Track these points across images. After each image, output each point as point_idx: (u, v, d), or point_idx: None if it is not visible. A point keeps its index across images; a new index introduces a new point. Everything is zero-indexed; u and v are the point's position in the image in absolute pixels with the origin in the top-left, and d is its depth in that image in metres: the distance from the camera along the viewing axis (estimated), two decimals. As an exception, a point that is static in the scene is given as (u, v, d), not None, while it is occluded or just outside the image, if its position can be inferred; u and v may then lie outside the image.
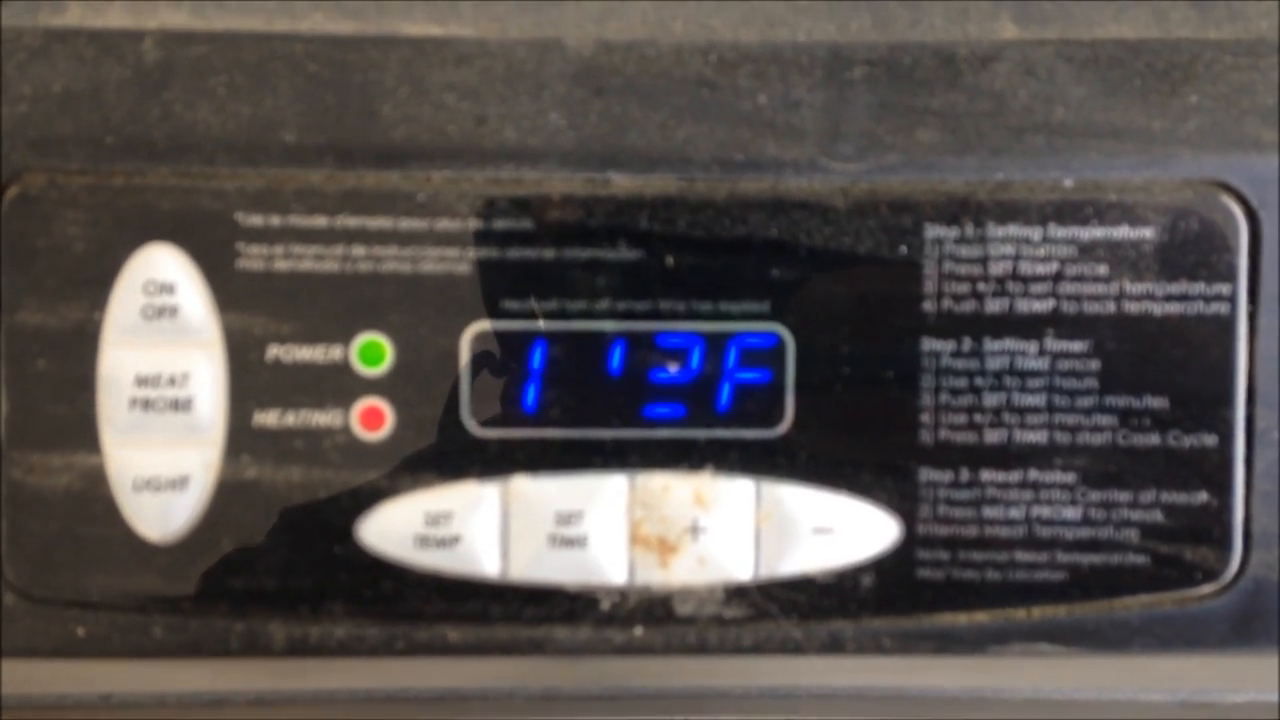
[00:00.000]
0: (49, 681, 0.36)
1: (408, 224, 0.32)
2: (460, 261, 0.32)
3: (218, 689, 0.36)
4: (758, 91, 0.32)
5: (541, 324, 0.32)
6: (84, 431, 0.31)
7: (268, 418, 0.32)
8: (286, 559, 0.32)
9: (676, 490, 0.33)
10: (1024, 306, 0.33)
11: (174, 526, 0.32)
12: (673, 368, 0.33)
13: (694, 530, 0.33)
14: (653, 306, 0.32)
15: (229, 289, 0.32)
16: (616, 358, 0.33)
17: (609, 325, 0.32)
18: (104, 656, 0.32)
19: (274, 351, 0.32)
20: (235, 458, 0.32)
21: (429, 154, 0.32)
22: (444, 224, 0.32)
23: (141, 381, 0.31)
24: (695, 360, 0.33)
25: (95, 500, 0.32)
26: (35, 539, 0.32)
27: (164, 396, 0.32)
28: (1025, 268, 0.33)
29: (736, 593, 0.33)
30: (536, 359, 0.33)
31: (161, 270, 0.31)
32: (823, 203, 0.32)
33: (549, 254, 0.32)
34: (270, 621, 0.33)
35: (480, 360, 0.32)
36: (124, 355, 0.31)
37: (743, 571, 0.33)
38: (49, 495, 0.32)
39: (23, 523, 0.32)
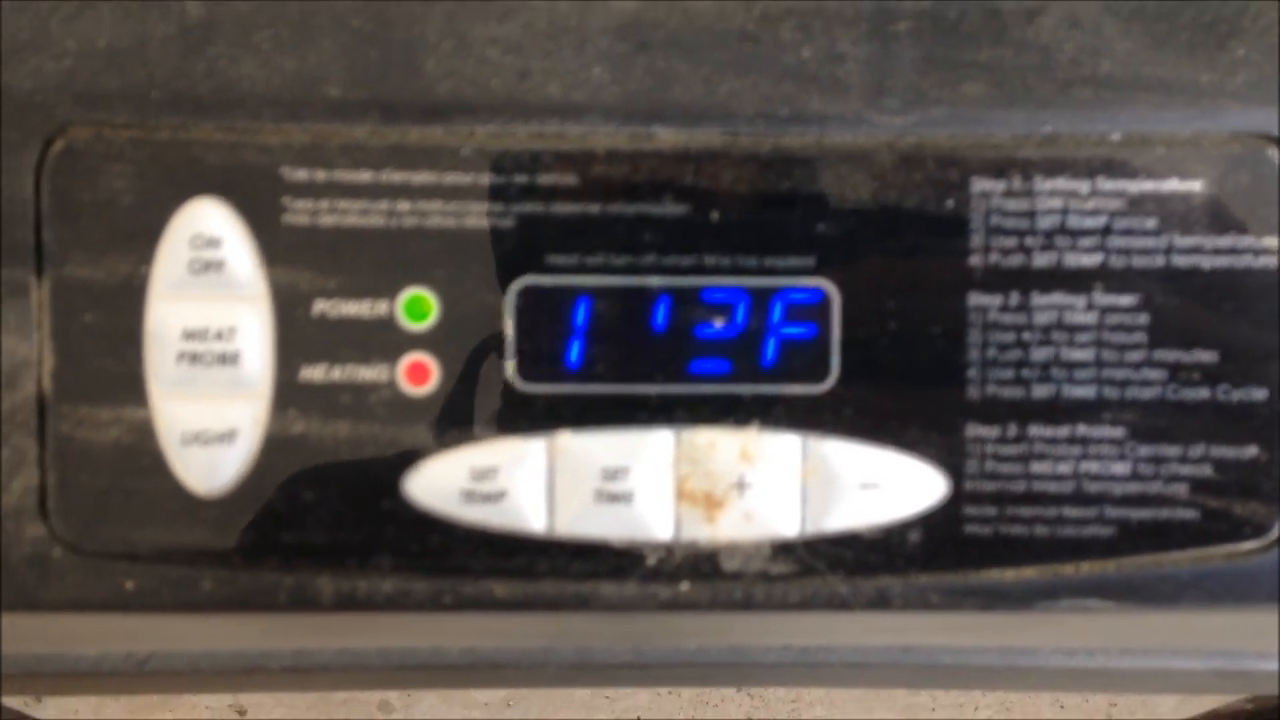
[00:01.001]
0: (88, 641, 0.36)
1: (452, 179, 0.32)
2: (505, 216, 0.32)
3: (262, 647, 0.37)
4: (802, 45, 0.32)
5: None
6: (131, 385, 0.32)
7: (314, 372, 0.32)
8: (334, 514, 0.32)
9: (722, 446, 0.33)
10: (1072, 260, 0.32)
11: (222, 480, 0.32)
12: (718, 323, 0.33)
13: (740, 486, 0.33)
14: (698, 262, 0.32)
15: (275, 243, 0.32)
16: (661, 313, 0.33)
17: (654, 281, 0.32)
18: (153, 610, 0.32)
19: (320, 306, 0.32)
20: (283, 412, 0.32)
21: (473, 109, 0.32)
22: (488, 179, 0.32)
23: (189, 335, 0.32)
24: (741, 315, 0.33)
25: (143, 454, 0.32)
26: (83, 492, 0.32)
27: (211, 350, 0.32)
28: (1073, 221, 0.32)
29: (783, 549, 0.33)
30: (581, 314, 0.32)
31: (208, 224, 0.31)
32: (868, 157, 0.32)
33: (593, 209, 0.32)
34: (318, 576, 0.33)
35: (525, 315, 0.32)
36: (171, 309, 0.31)
37: (789, 527, 0.33)
38: (97, 449, 0.32)
39: (71, 476, 0.32)
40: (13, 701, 0.45)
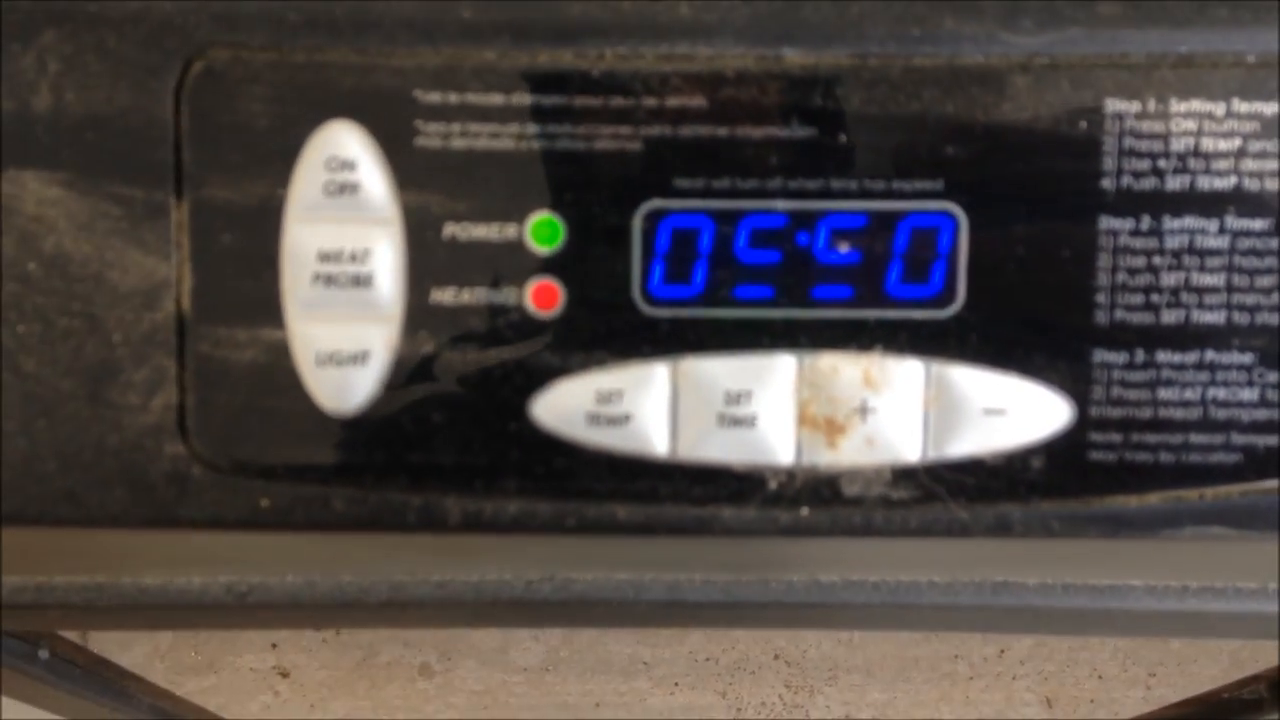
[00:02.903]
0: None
1: (581, 101, 0.32)
2: (633, 139, 0.32)
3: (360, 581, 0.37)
4: (935, -36, 0.32)
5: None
6: (268, 306, 0.32)
7: (444, 295, 0.32)
8: (462, 435, 0.33)
9: (845, 371, 0.33)
10: (1205, 184, 0.32)
11: (355, 401, 0.32)
12: (843, 247, 0.33)
13: (862, 411, 0.33)
14: (824, 185, 0.32)
15: (408, 166, 0.32)
16: (786, 237, 0.32)
17: (780, 204, 0.32)
18: (287, 529, 0.33)
19: (451, 229, 0.32)
20: (413, 334, 0.32)
21: (603, 30, 0.32)
22: (617, 101, 0.32)
23: (324, 257, 0.32)
24: (866, 239, 0.33)
25: (279, 374, 0.32)
26: (221, 411, 0.32)
27: (345, 273, 0.32)
28: (1207, 144, 0.32)
29: (904, 474, 0.33)
30: (706, 238, 0.32)
31: (343, 147, 0.32)
32: (1000, 77, 0.32)
33: (721, 132, 0.32)
34: (446, 497, 0.33)
35: (651, 239, 0.32)
36: (307, 231, 0.32)
37: (911, 453, 0.33)
38: (234, 369, 0.32)
39: (209, 395, 0.32)
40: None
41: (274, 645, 0.96)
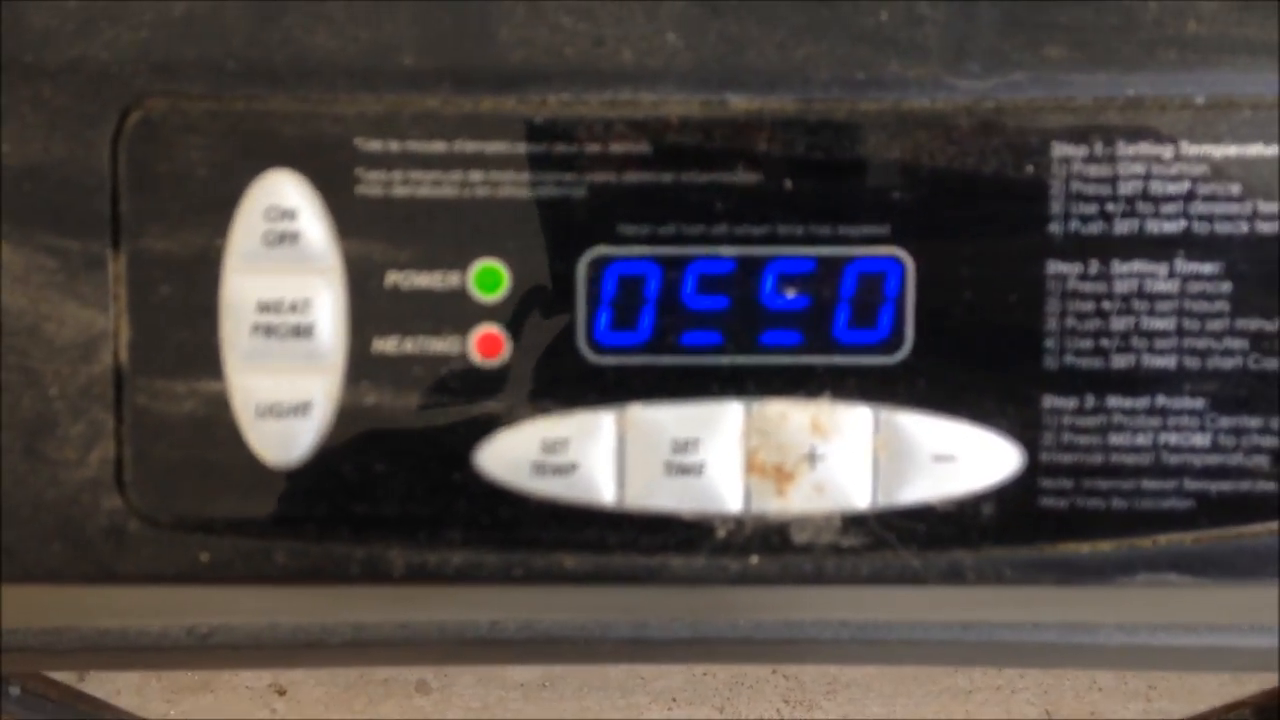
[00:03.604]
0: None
1: (525, 148, 0.32)
2: (577, 186, 0.32)
3: (323, 621, 0.37)
4: (880, 8, 0.32)
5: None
6: (207, 357, 0.32)
7: (387, 344, 0.32)
8: (405, 486, 0.32)
9: (793, 417, 0.33)
10: (1154, 227, 0.32)
11: (296, 453, 0.32)
12: (790, 293, 0.32)
13: (811, 458, 0.33)
14: (770, 231, 0.32)
15: (349, 215, 0.31)
16: (733, 283, 0.32)
17: (726, 250, 0.32)
18: (227, 582, 0.33)
19: (393, 278, 0.32)
20: (355, 384, 0.32)
21: (546, 77, 0.31)
22: (561, 148, 0.32)
23: (264, 308, 0.32)
24: (813, 285, 0.32)
25: (219, 426, 0.32)
26: (160, 465, 0.32)
27: (286, 323, 0.32)
28: (1155, 187, 0.32)
29: (854, 521, 0.33)
30: (652, 285, 0.32)
31: (283, 196, 0.31)
32: (946, 122, 0.31)
33: (666, 178, 0.32)
34: (389, 548, 0.33)
35: (596, 286, 0.32)
36: (246, 281, 0.31)
37: (861, 500, 0.33)
38: (173, 421, 0.32)
39: (147, 449, 0.32)
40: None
41: (271, 662, 0.95)
